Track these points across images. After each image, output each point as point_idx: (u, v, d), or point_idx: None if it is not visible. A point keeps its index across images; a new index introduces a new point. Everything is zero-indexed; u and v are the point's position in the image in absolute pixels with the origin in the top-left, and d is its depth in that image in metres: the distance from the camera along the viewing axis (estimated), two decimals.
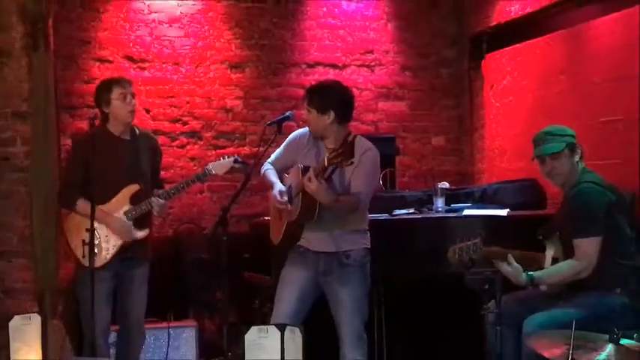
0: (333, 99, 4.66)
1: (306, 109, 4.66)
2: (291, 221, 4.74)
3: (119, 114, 5.15)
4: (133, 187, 5.13)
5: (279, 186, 4.73)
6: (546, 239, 4.74)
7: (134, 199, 5.11)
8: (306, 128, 4.79)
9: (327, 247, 4.70)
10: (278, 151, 4.93)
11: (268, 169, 4.88)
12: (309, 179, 4.35)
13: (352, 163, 4.37)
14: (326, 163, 4.40)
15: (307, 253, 4.75)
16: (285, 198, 4.67)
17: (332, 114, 4.60)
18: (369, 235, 4.81)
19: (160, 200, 5.14)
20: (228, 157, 5.26)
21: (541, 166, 4.72)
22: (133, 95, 5.20)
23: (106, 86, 5.21)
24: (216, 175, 5.29)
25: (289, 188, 4.74)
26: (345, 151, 4.28)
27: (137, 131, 5.31)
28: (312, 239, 4.73)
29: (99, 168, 4.99)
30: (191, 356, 5.89)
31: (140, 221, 5.15)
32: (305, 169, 4.47)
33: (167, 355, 5.71)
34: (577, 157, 4.64)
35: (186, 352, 5.88)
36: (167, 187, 5.50)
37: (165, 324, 5.72)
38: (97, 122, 5.26)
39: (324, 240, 4.69)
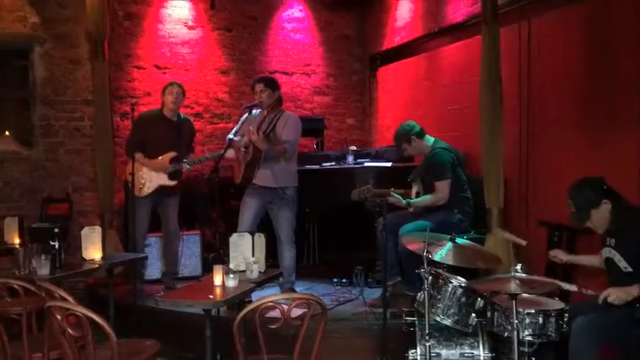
0: (277, 83, 4.88)
1: (262, 89, 4.74)
2: (247, 163, 4.73)
3: (166, 103, 5.10)
4: (173, 153, 5.08)
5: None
6: (413, 181, 4.81)
7: (172, 161, 5.07)
8: (255, 111, 4.82)
9: (270, 183, 4.72)
10: (238, 125, 4.75)
11: (229, 138, 4.76)
12: (253, 133, 4.45)
13: (277, 115, 4.71)
14: (265, 115, 4.71)
15: (258, 188, 4.76)
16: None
17: (278, 92, 4.75)
18: (297, 178, 4.84)
19: (187, 165, 5.10)
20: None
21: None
22: (179, 93, 5.09)
23: (164, 87, 5.15)
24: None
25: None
26: (271, 111, 4.70)
27: (181, 116, 5.25)
28: (261, 177, 4.73)
29: (154, 136, 5.00)
30: (197, 253, 5.83)
31: (173, 175, 5.10)
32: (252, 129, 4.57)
33: (182, 251, 5.63)
34: (415, 139, 4.68)
35: (193, 250, 5.81)
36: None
37: (180, 232, 5.66)
38: (135, 107, 5.19)
39: (269, 177, 4.71)
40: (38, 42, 6.07)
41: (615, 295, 2.95)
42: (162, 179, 5.06)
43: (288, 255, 4.78)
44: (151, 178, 5.05)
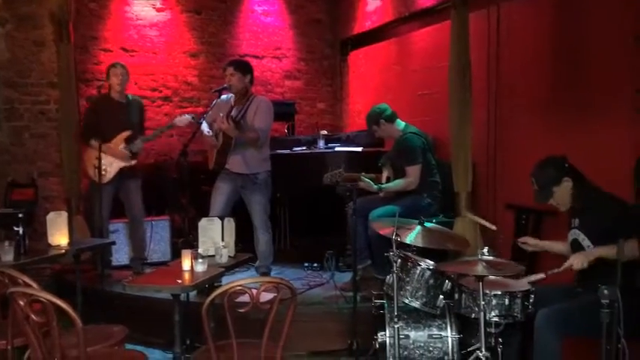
0: (249, 67, 4.77)
1: (232, 72, 4.66)
2: (218, 150, 4.71)
3: (112, 86, 5.02)
4: (127, 133, 5.00)
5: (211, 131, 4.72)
6: (383, 165, 4.83)
7: (127, 140, 4.99)
8: (226, 95, 4.77)
9: (242, 169, 4.70)
10: (210, 111, 4.77)
11: (204, 125, 4.75)
12: (222, 121, 4.42)
13: (245, 103, 4.65)
14: (232, 105, 4.62)
15: (230, 173, 4.74)
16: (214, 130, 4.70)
17: (249, 76, 4.67)
18: (269, 162, 4.81)
19: (141, 143, 5.03)
20: (188, 115, 5.17)
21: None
22: (124, 74, 5.04)
23: (107, 69, 5.06)
24: (180, 127, 5.21)
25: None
26: (241, 96, 4.65)
27: (130, 97, 5.16)
28: (232, 163, 4.71)
29: (105, 120, 4.92)
30: (166, 238, 5.78)
31: (130, 155, 5.03)
32: (222, 116, 4.52)
33: (151, 236, 5.59)
34: (384, 123, 4.67)
35: (163, 235, 5.76)
36: (149, 132, 5.38)
37: (149, 218, 5.60)
38: (102, 90, 5.11)
39: (240, 163, 4.68)
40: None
41: (579, 259, 2.99)
42: (122, 161, 4.99)
43: (262, 239, 4.77)
44: (110, 163, 4.97)
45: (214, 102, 4.68)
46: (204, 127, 4.71)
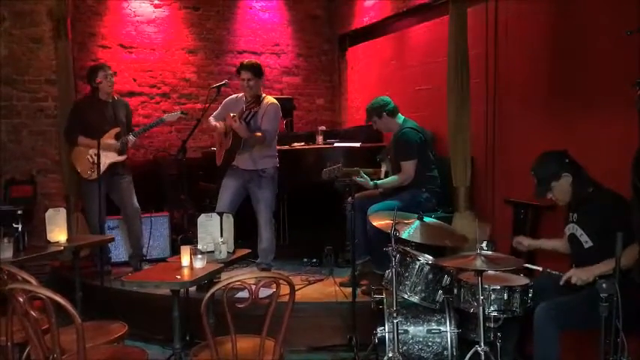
0: (262, 69, 4.79)
1: (250, 77, 4.65)
2: (227, 149, 4.72)
3: (103, 87, 5.00)
4: (116, 129, 5.00)
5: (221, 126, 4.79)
6: (381, 160, 4.84)
7: (116, 137, 4.98)
8: (235, 95, 4.79)
9: (250, 166, 4.72)
10: (219, 109, 4.91)
11: (212, 119, 4.86)
12: (235, 120, 4.41)
13: (258, 108, 4.61)
14: (244, 108, 4.57)
15: (238, 169, 4.75)
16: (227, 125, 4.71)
17: (263, 78, 4.78)
18: (277, 159, 4.82)
19: (132, 137, 5.02)
20: (177, 112, 5.18)
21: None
22: (112, 75, 5.04)
23: (94, 70, 5.04)
24: (169, 122, 5.23)
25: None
26: (255, 101, 4.58)
27: (115, 97, 5.15)
28: (240, 160, 4.73)
29: (94, 120, 4.91)
30: (165, 234, 5.77)
31: (120, 150, 5.02)
32: (233, 116, 4.49)
33: (150, 233, 5.59)
34: (386, 116, 4.67)
35: (162, 232, 5.75)
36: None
37: (148, 214, 5.60)
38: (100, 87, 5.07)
39: (248, 161, 4.70)
40: None
41: (577, 276, 3.00)
42: (111, 157, 4.96)
43: (264, 237, 4.78)
44: (100, 160, 4.93)
45: (226, 100, 4.83)
46: (213, 121, 4.81)
